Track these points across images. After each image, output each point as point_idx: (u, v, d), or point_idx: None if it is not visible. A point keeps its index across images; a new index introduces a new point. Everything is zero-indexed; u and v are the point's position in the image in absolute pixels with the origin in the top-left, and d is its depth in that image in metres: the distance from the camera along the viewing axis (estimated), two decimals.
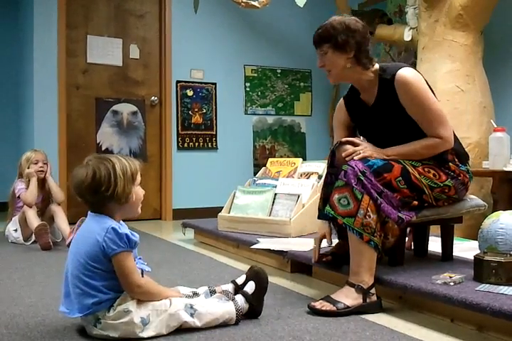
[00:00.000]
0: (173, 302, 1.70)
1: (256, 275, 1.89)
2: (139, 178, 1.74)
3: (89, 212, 1.74)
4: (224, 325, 1.76)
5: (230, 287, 1.93)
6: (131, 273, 1.65)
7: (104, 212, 1.70)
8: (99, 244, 1.63)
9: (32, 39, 4.64)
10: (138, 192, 1.74)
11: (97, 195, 1.66)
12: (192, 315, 1.70)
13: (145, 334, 1.64)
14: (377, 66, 2.21)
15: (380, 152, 2.12)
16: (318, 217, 2.31)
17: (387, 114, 2.19)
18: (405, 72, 2.12)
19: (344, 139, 2.21)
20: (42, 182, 3.74)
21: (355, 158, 2.06)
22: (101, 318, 1.64)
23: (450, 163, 2.17)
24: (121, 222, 1.75)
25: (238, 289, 1.91)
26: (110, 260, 1.64)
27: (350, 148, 2.14)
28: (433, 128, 2.11)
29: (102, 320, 1.64)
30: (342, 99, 2.42)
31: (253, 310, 1.84)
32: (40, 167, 3.68)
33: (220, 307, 1.76)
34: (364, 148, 2.11)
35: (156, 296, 1.69)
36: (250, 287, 1.86)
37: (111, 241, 1.62)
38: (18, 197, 3.65)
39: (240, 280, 1.95)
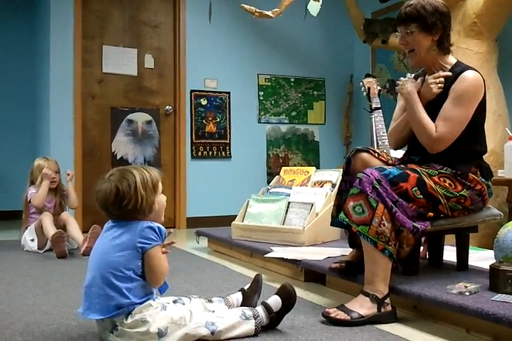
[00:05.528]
0: (194, 318, 1.67)
1: (287, 293, 1.83)
2: (160, 187, 1.76)
3: (110, 220, 1.76)
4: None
5: (239, 296, 1.93)
6: (164, 261, 1.69)
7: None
8: (133, 244, 1.65)
9: (48, 49, 4.71)
10: (161, 200, 1.76)
11: (121, 209, 1.68)
12: (212, 332, 1.67)
13: None
14: (454, 59, 2.25)
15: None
16: (331, 224, 2.31)
17: (438, 102, 2.18)
18: (474, 74, 2.14)
19: (361, 147, 2.22)
20: (54, 191, 3.82)
21: None
22: (118, 325, 1.64)
23: (470, 174, 2.15)
24: None
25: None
26: (142, 257, 1.66)
27: (366, 156, 2.15)
28: (442, 125, 2.10)
29: (119, 327, 1.64)
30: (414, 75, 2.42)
31: (272, 324, 1.82)
32: (53, 178, 3.76)
33: (240, 326, 1.73)
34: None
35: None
36: (275, 302, 1.81)
37: (146, 238, 1.65)
38: (30, 201, 3.71)
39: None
